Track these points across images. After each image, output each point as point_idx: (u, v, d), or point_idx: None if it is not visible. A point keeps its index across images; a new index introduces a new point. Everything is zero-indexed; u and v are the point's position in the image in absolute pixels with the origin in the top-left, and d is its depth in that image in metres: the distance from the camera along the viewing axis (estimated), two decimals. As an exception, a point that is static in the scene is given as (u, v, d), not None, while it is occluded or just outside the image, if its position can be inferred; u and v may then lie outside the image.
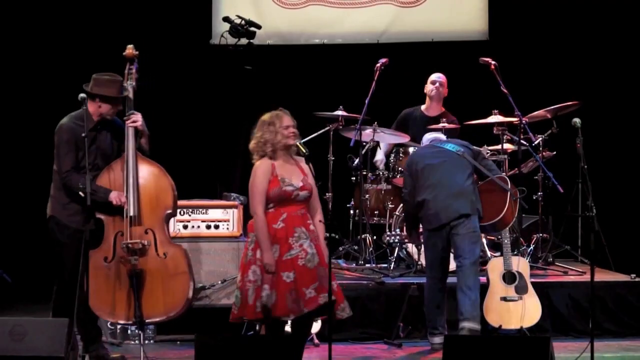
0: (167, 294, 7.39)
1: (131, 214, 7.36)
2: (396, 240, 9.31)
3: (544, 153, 9.41)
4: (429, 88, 9.84)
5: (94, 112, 7.47)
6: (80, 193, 7.24)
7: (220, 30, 9.50)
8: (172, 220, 8.36)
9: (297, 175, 7.01)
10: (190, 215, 8.49)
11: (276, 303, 6.81)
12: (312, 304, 6.82)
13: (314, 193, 7.08)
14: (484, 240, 9.20)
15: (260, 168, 7.00)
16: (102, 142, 7.50)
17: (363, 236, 9.46)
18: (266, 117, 7.09)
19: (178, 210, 8.40)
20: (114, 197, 7.34)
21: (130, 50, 7.59)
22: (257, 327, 8.16)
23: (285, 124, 7.03)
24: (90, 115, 7.42)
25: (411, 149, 9.54)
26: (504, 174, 8.66)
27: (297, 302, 6.81)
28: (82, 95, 7.34)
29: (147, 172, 7.47)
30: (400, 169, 9.51)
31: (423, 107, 9.91)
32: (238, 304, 6.94)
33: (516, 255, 8.48)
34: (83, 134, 7.21)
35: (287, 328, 7.24)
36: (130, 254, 7.32)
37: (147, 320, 7.42)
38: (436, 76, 9.83)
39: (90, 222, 7.24)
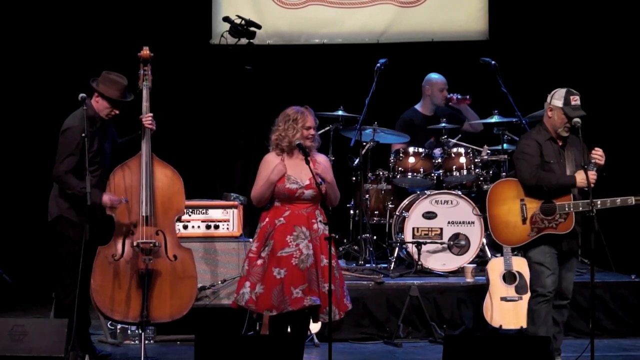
0: (174, 297, 7.41)
1: (144, 213, 7.37)
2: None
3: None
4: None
5: (94, 108, 7.43)
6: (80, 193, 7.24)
7: (220, 30, 9.51)
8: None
9: (306, 173, 6.98)
10: (190, 215, 8.47)
11: (261, 297, 6.83)
12: (297, 304, 6.82)
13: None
14: (484, 240, 9.20)
15: (267, 160, 7.04)
16: (103, 142, 7.47)
17: (363, 236, 9.46)
18: (291, 112, 7.03)
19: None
20: (106, 199, 7.33)
21: (145, 51, 7.57)
22: (257, 327, 8.17)
23: (308, 124, 7.01)
24: (96, 113, 7.42)
25: (411, 149, 9.54)
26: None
27: (283, 300, 6.82)
28: (82, 95, 7.34)
29: (162, 173, 7.51)
30: (400, 169, 9.50)
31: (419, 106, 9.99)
32: None
33: (516, 255, 8.47)
34: (83, 134, 7.22)
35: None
36: (143, 253, 7.32)
37: (151, 322, 7.43)
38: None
39: (87, 228, 7.20)
